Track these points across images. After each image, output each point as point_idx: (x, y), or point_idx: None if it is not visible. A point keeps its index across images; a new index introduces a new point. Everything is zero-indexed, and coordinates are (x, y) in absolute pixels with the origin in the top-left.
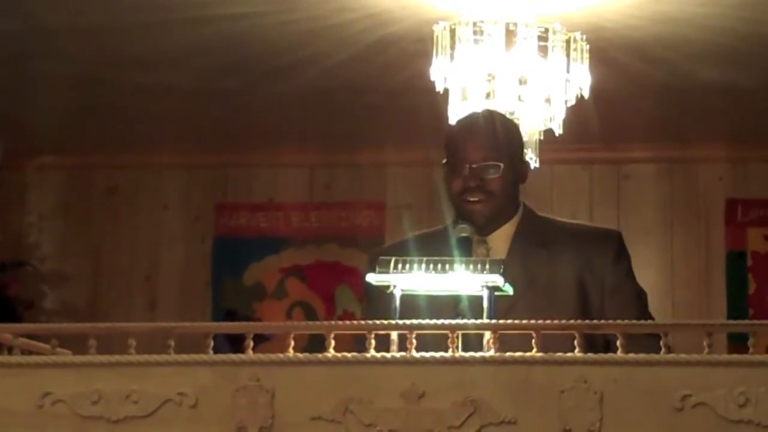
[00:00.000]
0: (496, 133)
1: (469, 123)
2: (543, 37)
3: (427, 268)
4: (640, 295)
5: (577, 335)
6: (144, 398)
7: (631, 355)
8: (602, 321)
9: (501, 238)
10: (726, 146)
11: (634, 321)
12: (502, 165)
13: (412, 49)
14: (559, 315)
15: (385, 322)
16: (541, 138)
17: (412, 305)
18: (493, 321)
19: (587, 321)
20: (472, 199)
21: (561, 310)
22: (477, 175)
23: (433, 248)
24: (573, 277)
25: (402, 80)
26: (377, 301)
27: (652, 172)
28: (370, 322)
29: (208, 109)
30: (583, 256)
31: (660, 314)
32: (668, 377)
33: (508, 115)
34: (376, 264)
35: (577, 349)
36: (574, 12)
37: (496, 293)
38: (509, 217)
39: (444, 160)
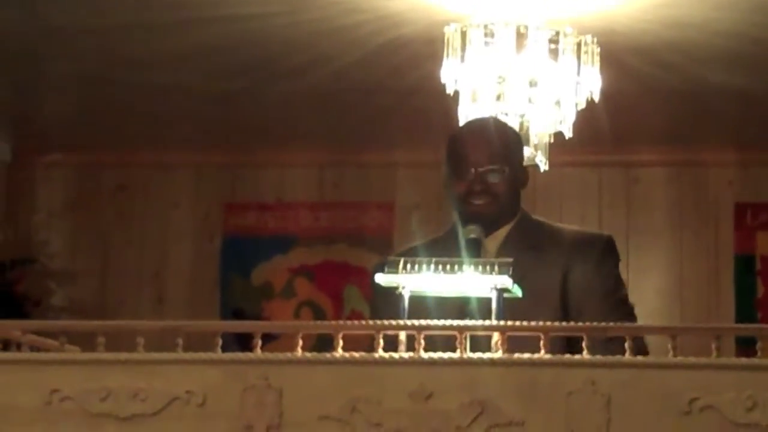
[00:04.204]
0: (500, 138)
1: (474, 128)
2: (554, 40)
3: (436, 269)
4: (624, 301)
5: (585, 337)
6: (152, 396)
7: (640, 358)
8: (610, 324)
9: (494, 241)
10: (736, 150)
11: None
12: (506, 169)
13: (422, 51)
14: (543, 317)
15: (394, 322)
16: (551, 141)
17: (419, 306)
18: (502, 322)
19: (595, 323)
20: (477, 202)
21: (544, 312)
22: (482, 179)
23: (440, 254)
24: (557, 280)
25: (412, 81)
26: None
27: (661, 176)
28: (379, 322)
29: (218, 109)
30: (569, 259)
31: (668, 317)
32: (676, 380)
33: (518, 118)
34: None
35: (584, 352)
36: (585, 15)
37: (505, 295)
38: (507, 222)
39: (445, 165)
